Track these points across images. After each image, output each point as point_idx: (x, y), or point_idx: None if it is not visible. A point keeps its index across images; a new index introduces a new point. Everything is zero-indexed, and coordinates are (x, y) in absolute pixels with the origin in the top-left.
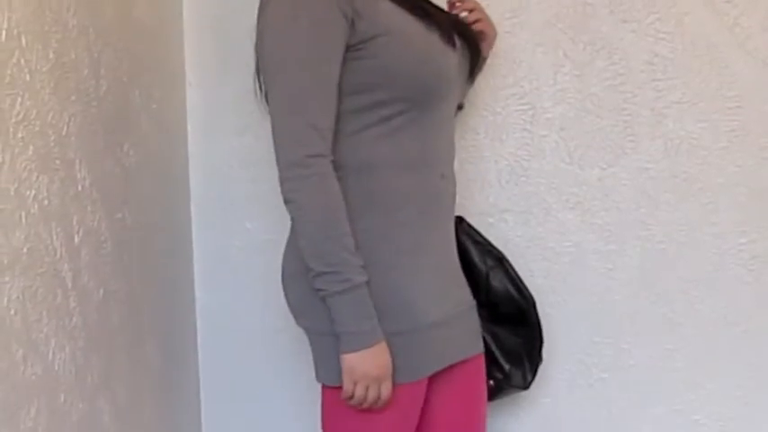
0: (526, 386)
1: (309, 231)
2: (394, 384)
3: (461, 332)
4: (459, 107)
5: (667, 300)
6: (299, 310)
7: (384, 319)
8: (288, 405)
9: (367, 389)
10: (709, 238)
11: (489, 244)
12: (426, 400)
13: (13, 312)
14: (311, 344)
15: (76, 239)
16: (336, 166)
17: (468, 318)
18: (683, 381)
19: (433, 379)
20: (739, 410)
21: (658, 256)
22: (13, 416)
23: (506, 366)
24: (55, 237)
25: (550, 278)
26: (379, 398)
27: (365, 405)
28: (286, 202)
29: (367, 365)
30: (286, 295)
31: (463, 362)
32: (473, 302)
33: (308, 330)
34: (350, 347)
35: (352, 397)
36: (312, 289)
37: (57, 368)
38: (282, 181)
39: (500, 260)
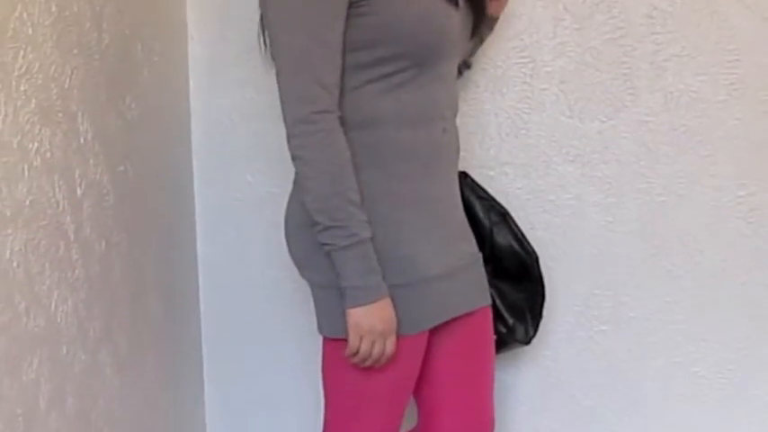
0: (528, 341)
1: (316, 187)
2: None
3: (465, 285)
4: (468, 66)
5: (667, 252)
6: (302, 263)
7: (386, 271)
8: (288, 356)
9: (372, 344)
10: (709, 191)
11: (493, 199)
12: (428, 353)
13: (15, 265)
14: (314, 296)
15: (79, 192)
16: None
17: (472, 270)
18: (683, 333)
19: (435, 332)
20: (739, 363)
21: (658, 209)
22: (15, 367)
23: (510, 321)
24: (57, 189)
25: (550, 231)
26: (383, 353)
27: (369, 361)
28: (293, 158)
29: (373, 320)
30: (289, 248)
31: (468, 314)
32: (478, 255)
33: (311, 282)
34: (355, 302)
35: (356, 353)
36: (316, 242)
37: (59, 320)
38: (289, 138)
39: (504, 216)
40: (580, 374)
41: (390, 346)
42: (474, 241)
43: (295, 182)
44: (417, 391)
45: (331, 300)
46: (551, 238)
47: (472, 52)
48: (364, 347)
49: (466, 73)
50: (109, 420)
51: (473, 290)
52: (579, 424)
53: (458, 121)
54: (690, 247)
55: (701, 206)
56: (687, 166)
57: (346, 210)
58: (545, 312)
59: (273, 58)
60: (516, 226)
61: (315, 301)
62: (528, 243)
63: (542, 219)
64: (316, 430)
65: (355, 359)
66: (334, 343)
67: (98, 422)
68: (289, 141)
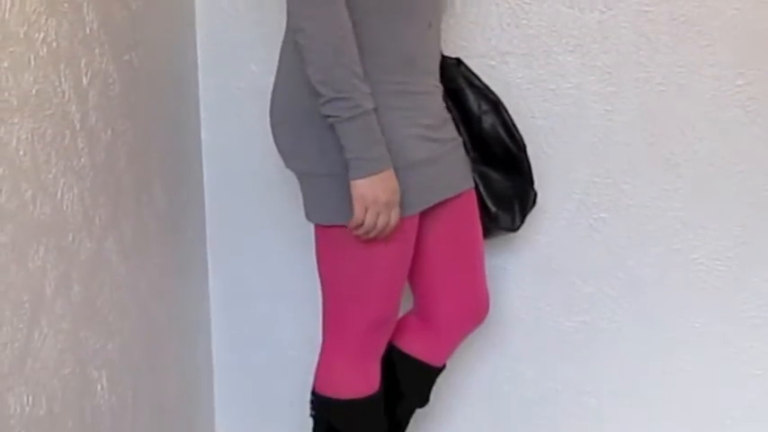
0: (515, 228)
1: (319, 59)
2: None
3: (449, 169)
4: None
5: (666, 140)
6: (289, 154)
7: None
8: (288, 242)
9: (377, 215)
10: (708, 80)
11: (487, 88)
12: (418, 238)
13: (22, 153)
14: (301, 186)
15: (84, 81)
16: None
17: (455, 155)
18: (682, 220)
19: (423, 216)
20: (737, 250)
21: (657, 98)
22: (22, 255)
23: (493, 209)
24: (63, 79)
25: (550, 119)
26: (388, 224)
27: (373, 233)
28: (295, 31)
29: (377, 191)
30: (275, 139)
31: (452, 198)
32: (459, 140)
33: (298, 172)
34: (359, 173)
35: (361, 225)
36: (302, 131)
37: (65, 208)
38: (291, 12)
39: (495, 104)
40: (580, 261)
41: (395, 216)
42: (453, 126)
43: (279, 71)
44: (411, 277)
45: (319, 187)
46: (551, 127)
47: None
48: (369, 219)
49: None
50: (114, 307)
51: (457, 174)
52: (578, 310)
53: (459, 10)
54: (688, 135)
55: (700, 95)
56: (686, 55)
57: (350, 81)
58: (545, 199)
59: None
60: (508, 115)
61: (303, 191)
62: (518, 133)
63: (542, 107)
64: (316, 317)
65: (360, 231)
66: (326, 230)
67: (104, 309)
68: (290, 16)
